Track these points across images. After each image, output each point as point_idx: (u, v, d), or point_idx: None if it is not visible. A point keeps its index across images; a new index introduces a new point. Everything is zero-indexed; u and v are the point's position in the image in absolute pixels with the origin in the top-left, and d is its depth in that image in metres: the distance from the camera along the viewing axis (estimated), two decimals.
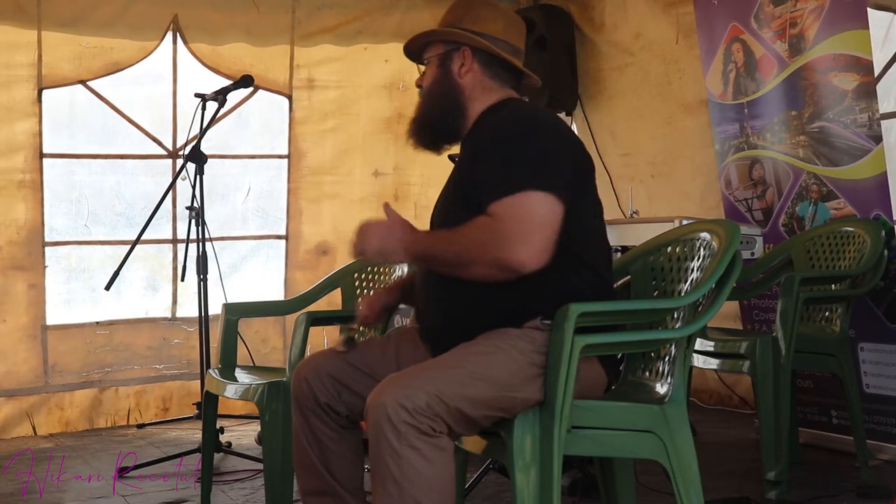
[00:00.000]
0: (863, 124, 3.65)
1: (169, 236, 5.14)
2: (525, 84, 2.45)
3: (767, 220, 4.17)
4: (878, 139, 3.61)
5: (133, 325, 5.05)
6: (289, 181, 5.35)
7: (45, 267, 4.83)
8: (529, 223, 2.08)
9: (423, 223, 2.35)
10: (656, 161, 5.02)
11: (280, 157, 5.36)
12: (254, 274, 5.39)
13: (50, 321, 4.84)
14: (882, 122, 3.62)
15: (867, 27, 3.60)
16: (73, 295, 5.00)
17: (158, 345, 5.09)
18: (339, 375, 2.32)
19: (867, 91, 3.61)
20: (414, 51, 2.47)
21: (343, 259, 4.98)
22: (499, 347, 2.11)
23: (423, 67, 2.45)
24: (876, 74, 3.69)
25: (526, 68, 2.43)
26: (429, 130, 2.42)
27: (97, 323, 4.96)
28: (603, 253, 2.30)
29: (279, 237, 5.40)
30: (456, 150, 2.59)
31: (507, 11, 2.45)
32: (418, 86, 2.45)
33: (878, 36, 3.73)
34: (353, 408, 2.30)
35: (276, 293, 5.35)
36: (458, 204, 2.27)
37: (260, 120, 5.38)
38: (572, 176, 2.19)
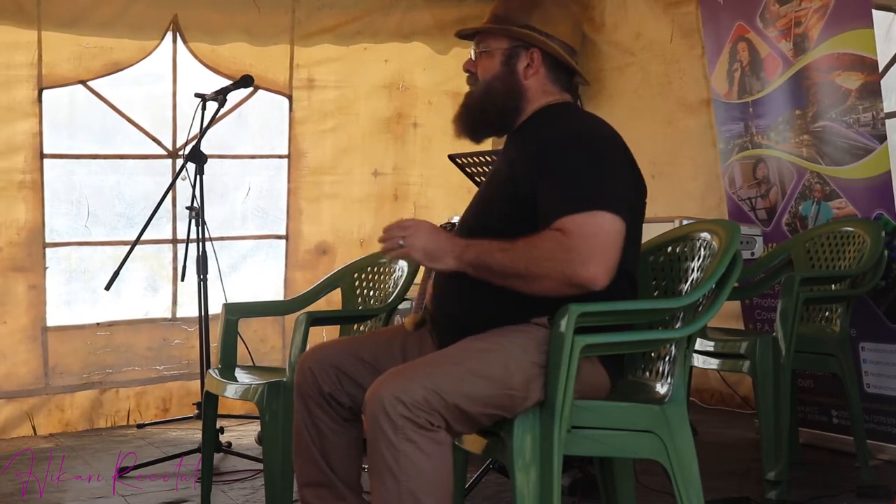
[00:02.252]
0: (866, 123, 3.64)
1: (169, 236, 5.13)
2: (574, 83, 2.43)
3: (771, 219, 4.17)
4: (882, 138, 3.60)
5: (133, 326, 5.05)
6: (289, 181, 5.35)
7: (45, 268, 4.82)
8: (603, 242, 2.08)
9: None
10: (657, 161, 5.01)
11: (280, 156, 5.35)
12: (253, 274, 5.39)
13: (50, 322, 4.83)
14: (886, 121, 3.62)
15: (871, 26, 3.60)
16: (74, 296, 4.99)
17: (159, 345, 5.08)
18: (344, 366, 2.31)
19: (871, 90, 3.61)
20: (469, 33, 2.42)
21: (343, 259, 4.97)
22: (501, 345, 2.11)
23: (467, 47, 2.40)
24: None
25: None
26: (482, 124, 2.38)
27: (97, 324, 4.95)
28: (636, 262, 2.30)
29: (279, 237, 5.39)
30: (457, 149, 2.59)
31: (574, 12, 2.42)
32: (468, 71, 2.40)
33: (879, 35, 3.72)
34: (355, 399, 2.29)
35: (275, 293, 5.35)
36: (502, 200, 2.24)
37: (260, 120, 5.38)
38: (634, 198, 2.22)
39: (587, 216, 2.09)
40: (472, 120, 2.38)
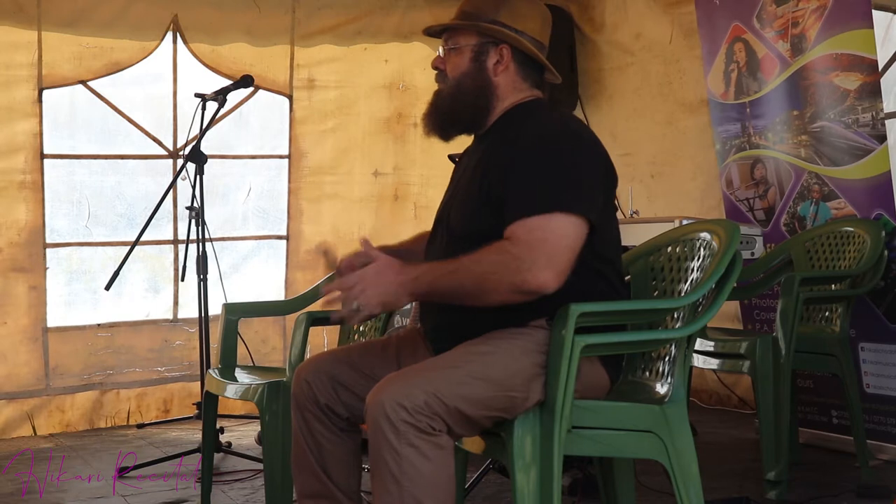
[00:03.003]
0: (865, 124, 3.64)
1: (170, 237, 5.13)
2: (545, 79, 2.40)
3: (769, 219, 4.17)
4: (881, 138, 3.60)
5: (134, 327, 5.04)
6: (289, 181, 5.35)
7: (45, 269, 4.82)
8: (552, 246, 2.04)
9: (424, 223, 2.32)
10: (656, 161, 5.02)
11: (280, 157, 5.36)
12: (254, 274, 5.39)
13: (51, 323, 4.82)
14: (886, 121, 3.62)
15: (871, 26, 3.60)
16: (75, 297, 4.98)
17: (160, 347, 5.07)
18: (340, 377, 2.31)
19: (871, 90, 3.61)
20: (437, 31, 2.40)
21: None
22: (500, 347, 2.10)
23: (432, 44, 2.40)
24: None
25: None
26: (452, 123, 2.36)
27: (98, 325, 4.95)
28: (617, 257, 2.29)
29: (280, 237, 5.39)
30: (454, 148, 2.57)
31: (542, 8, 2.39)
32: (437, 68, 2.38)
33: (878, 36, 3.72)
34: (353, 410, 2.29)
35: (276, 293, 5.35)
36: (482, 205, 2.20)
37: (260, 120, 5.38)
38: (603, 197, 2.19)
39: (539, 220, 2.06)
40: (441, 118, 2.36)
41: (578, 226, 2.08)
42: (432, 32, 2.42)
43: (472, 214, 2.23)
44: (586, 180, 2.14)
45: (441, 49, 2.39)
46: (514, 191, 2.13)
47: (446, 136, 2.40)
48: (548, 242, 2.04)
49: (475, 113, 2.32)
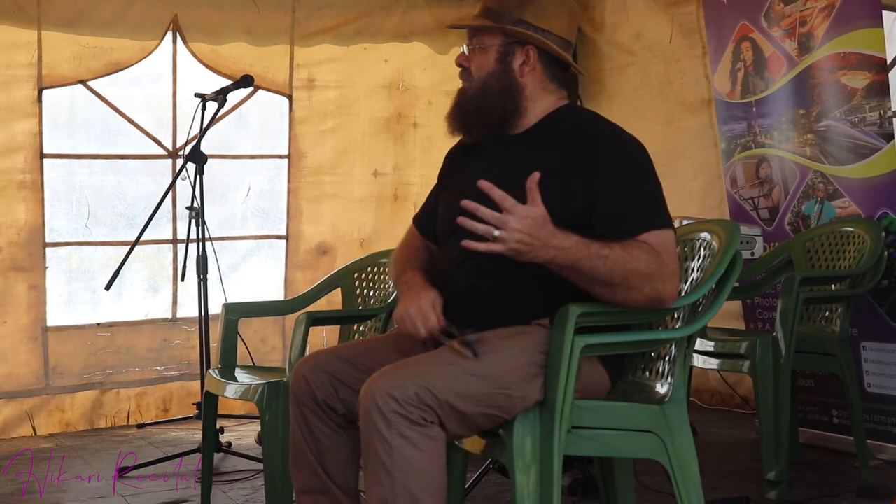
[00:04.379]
0: (872, 122, 3.64)
1: (169, 237, 5.12)
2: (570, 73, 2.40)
3: (773, 218, 4.17)
4: (888, 137, 3.60)
5: (134, 327, 5.03)
6: (289, 181, 5.34)
7: (45, 268, 4.81)
8: (677, 262, 2.13)
9: None
10: (657, 161, 4.92)
11: (280, 157, 5.35)
12: (254, 274, 5.38)
13: (51, 323, 4.81)
14: (894, 119, 3.62)
15: (881, 25, 3.59)
16: (74, 296, 4.98)
17: (159, 346, 5.07)
18: (338, 373, 2.30)
19: (879, 89, 3.61)
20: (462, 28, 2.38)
21: (343, 259, 4.97)
22: (499, 345, 2.10)
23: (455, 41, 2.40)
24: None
25: None
26: (478, 123, 2.32)
27: (98, 325, 4.94)
28: None
29: (279, 237, 5.39)
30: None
31: (570, 4, 2.37)
32: (461, 66, 2.36)
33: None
34: (350, 406, 2.28)
35: (276, 293, 5.34)
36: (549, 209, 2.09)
37: (260, 120, 5.38)
38: None
39: (664, 234, 2.12)
40: (467, 118, 2.34)
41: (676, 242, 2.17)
42: (457, 27, 2.41)
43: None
44: (663, 194, 2.22)
45: (465, 47, 2.37)
46: (634, 201, 2.15)
47: (471, 136, 2.38)
48: (677, 258, 2.13)
49: (504, 114, 2.30)
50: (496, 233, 1.95)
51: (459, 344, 2.07)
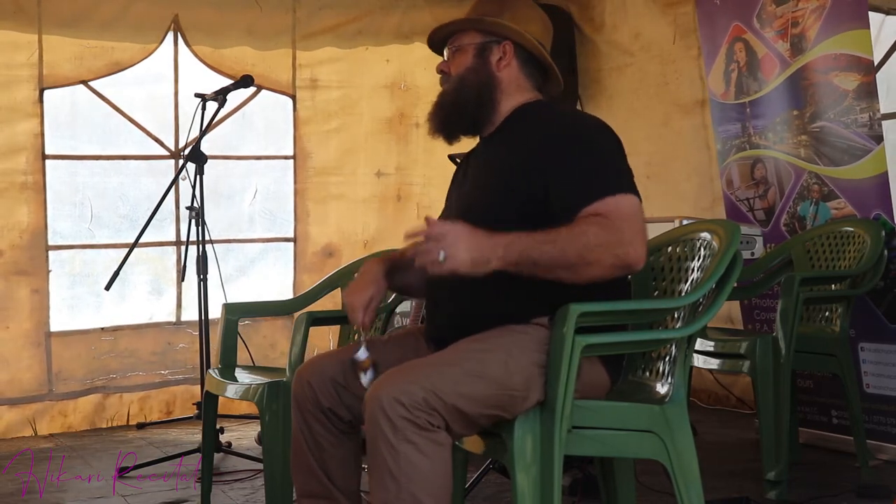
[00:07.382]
0: (863, 124, 3.65)
1: (172, 238, 5.10)
2: (547, 87, 2.43)
3: (769, 219, 4.17)
4: (878, 139, 3.61)
5: (138, 331, 4.99)
6: (295, 182, 5.33)
7: (48, 271, 4.77)
8: (639, 222, 2.09)
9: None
10: (652, 162, 5.02)
11: (285, 157, 5.34)
12: (262, 277, 5.34)
13: (54, 327, 4.77)
14: (882, 122, 3.62)
15: (868, 27, 3.61)
16: (77, 300, 4.93)
17: (163, 350, 5.02)
18: (342, 378, 2.30)
19: (868, 91, 3.61)
20: (438, 40, 2.43)
21: (348, 260, 4.94)
22: (500, 346, 2.10)
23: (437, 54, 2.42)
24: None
25: None
26: (457, 119, 2.37)
27: (102, 329, 4.90)
28: None
29: (287, 240, 5.36)
30: (456, 148, 2.57)
31: (542, 13, 2.42)
32: (442, 72, 2.41)
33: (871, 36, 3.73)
34: (355, 411, 2.28)
35: (284, 297, 5.26)
36: (512, 202, 2.18)
37: (264, 120, 5.36)
38: None
39: (618, 199, 2.10)
40: (445, 115, 2.38)
41: (639, 204, 2.14)
42: (433, 45, 2.45)
43: (496, 211, 2.22)
44: (624, 163, 2.21)
45: (445, 54, 2.42)
46: (578, 177, 2.13)
47: (451, 134, 2.41)
48: (636, 219, 2.09)
49: (479, 107, 2.34)
50: (440, 256, 2.00)
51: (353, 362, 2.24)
